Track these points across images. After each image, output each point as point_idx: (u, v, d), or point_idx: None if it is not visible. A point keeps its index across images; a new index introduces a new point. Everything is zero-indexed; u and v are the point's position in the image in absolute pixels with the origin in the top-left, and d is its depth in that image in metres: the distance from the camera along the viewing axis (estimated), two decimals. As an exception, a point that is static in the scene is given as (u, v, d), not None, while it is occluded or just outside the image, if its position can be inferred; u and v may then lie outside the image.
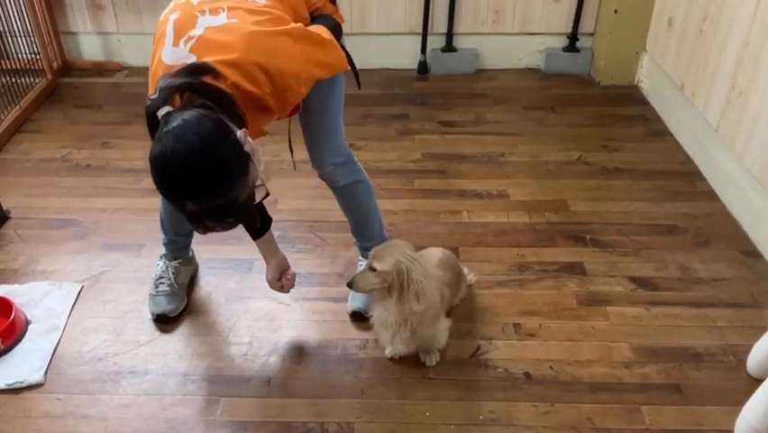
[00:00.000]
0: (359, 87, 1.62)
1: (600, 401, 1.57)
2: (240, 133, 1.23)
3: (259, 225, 1.64)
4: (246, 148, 1.24)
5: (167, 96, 1.21)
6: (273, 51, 1.30)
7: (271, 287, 1.74)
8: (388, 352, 1.68)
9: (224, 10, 1.33)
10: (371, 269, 1.50)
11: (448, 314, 1.71)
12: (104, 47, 3.15)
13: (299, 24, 1.39)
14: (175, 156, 1.16)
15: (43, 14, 2.94)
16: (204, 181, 1.19)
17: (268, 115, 1.40)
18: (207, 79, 1.25)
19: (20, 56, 2.87)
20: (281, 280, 1.73)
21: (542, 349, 1.70)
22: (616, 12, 2.82)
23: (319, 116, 1.61)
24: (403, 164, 2.46)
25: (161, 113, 1.20)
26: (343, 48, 1.53)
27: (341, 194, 1.77)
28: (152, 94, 1.23)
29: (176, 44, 1.31)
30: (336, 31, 1.53)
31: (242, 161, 1.24)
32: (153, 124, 1.22)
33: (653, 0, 2.77)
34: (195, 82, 1.24)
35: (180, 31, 1.32)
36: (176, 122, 1.18)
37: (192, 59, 1.29)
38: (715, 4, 2.28)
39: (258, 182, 1.31)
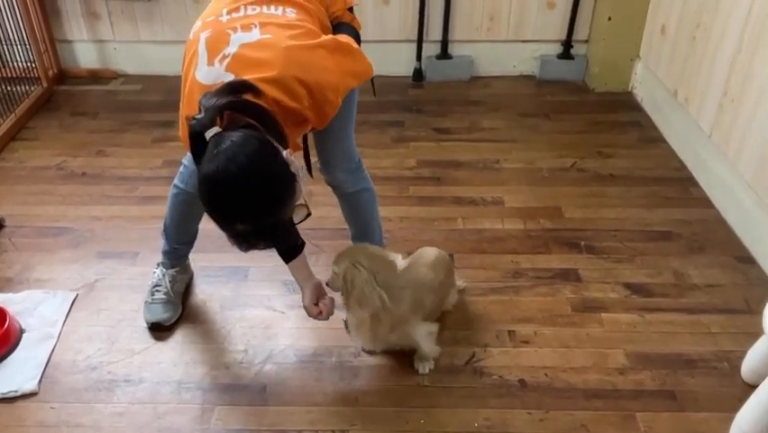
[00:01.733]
0: (374, 95, 1.66)
1: (595, 408, 1.57)
2: (285, 153, 1.25)
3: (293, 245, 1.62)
4: (292, 168, 1.25)
5: (212, 115, 1.21)
6: (310, 65, 1.31)
7: (309, 314, 1.65)
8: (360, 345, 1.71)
9: (256, 26, 1.32)
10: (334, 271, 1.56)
11: (440, 319, 1.71)
12: (99, 55, 3.16)
13: (330, 36, 1.40)
14: (227, 177, 1.17)
15: (39, 22, 2.94)
16: (255, 202, 1.21)
17: (305, 127, 1.40)
18: (249, 97, 1.24)
19: (15, 64, 2.87)
20: (318, 305, 1.64)
21: (536, 356, 1.71)
22: (610, 19, 2.83)
23: (333, 122, 1.61)
24: (398, 171, 2.46)
25: (210, 134, 1.20)
26: None
27: (347, 201, 1.78)
28: (197, 114, 1.22)
29: (210, 63, 1.30)
30: (357, 39, 1.55)
31: (290, 180, 1.25)
32: (198, 143, 1.22)
33: (646, 7, 2.78)
34: (237, 101, 1.23)
35: (214, 49, 1.31)
36: (226, 143, 1.18)
37: (229, 77, 1.28)
38: (707, 12, 2.30)
39: (300, 201, 1.31)
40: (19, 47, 2.87)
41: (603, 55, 2.93)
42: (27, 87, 2.91)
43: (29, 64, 2.94)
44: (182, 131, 1.36)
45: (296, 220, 1.33)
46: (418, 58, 3.10)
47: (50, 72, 3.05)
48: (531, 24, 3.03)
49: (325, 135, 1.62)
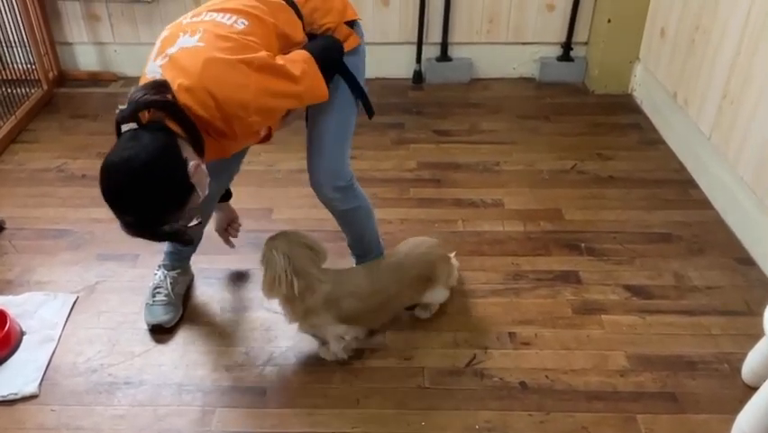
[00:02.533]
0: (369, 117, 1.64)
1: (596, 410, 1.57)
2: (192, 164, 1.31)
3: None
4: (193, 180, 1.32)
5: (134, 109, 1.28)
6: (224, 80, 1.31)
7: (221, 235, 1.91)
8: None
9: (199, 32, 1.37)
10: None
11: (440, 322, 1.70)
12: (99, 57, 3.16)
13: (263, 54, 1.35)
14: (122, 172, 1.27)
15: (39, 25, 2.94)
16: (140, 202, 1.30)
17: (231, 140, 1.41)
18: (170, 97, 1.31)
19: (16, 66, 2.88)
20: (228, 230, 1.88)
21: (537, 358, 1.71)
22: (609, 21, 2.84)
23: (321, 139, 1.61)
24: (398, 173, 2.46)
25: (125, 128, 1.29)
26: (349, 72, 1.53)
27: (339, 217, 1.78)
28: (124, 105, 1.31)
29: (155, 60, 1.38)
30: (328, 53, 1.49)
31: (183, 191, 1.33)
32: (119, 133, 1.31)
33: (645, 10, 2.79)
34: (161, 100, 1.29)
35: (162, 48, 1.38)
36: (134, 141, 1.27)
37: (159, 75, 1.35)
38: (707, 15, 2.30)
39: (195, 210, 1.38)
40: (19, 49, 2.88)
41: (603, 57, 2.93)
42: (27, 90, 2.91)
43: (29, 66, 2.94)
44: None
45: (187, 224, 1.39)
46: (418, 60, 3.10)
47: (51, 74, 3.05)
48: (530, 27, 3.04)
49: (314, 152, 1.63)
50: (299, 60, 1.42)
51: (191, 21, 1.42)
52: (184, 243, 1.46)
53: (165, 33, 1.42)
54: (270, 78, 1.36)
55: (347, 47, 1.58)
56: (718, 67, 2.23)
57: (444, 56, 3.09)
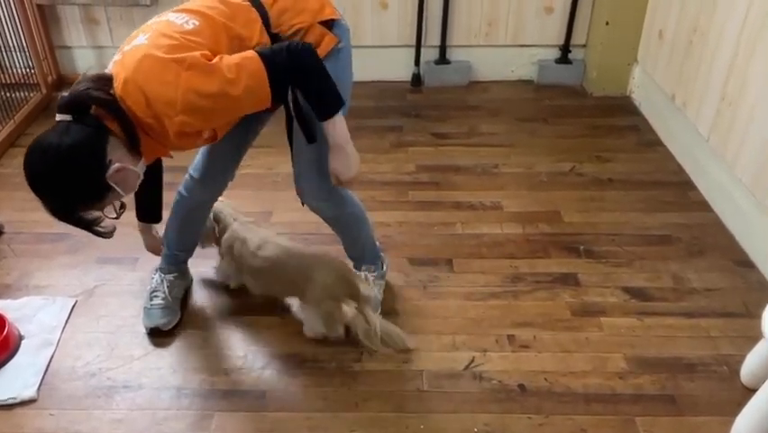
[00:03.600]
0: (307, 141, 1.51)
1: (595, 413, 1.57)
2: (115, 166, 1.34)
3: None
4: (111, 180, 1.34)
5: (73, 101, 1.32)
6: (153, 77, 1.31)
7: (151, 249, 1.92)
8: None
9: (150, 31, 1.38)
10: None
11: (439, 324, 1.69)
12: (98, 61, 3.16)
13: (196, 53, 1.31)
14: (34, 158, 1.33)
15: (38, 29, 2.95)
16: (48, 191, 1.34)
17: (166, 138, 1.38)
18: (112, 93, 1.33)
19: (15, 70, 2.88)
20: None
21: (536, 360, 1.70)
22: (607, 24, 2.84)
23: (300, 152, 1.60)
24: (397, 176, 2.46)
25: (59, 117, 1.33)
26: (310, 80, 1.39)
27: (329, 222, 1.79)
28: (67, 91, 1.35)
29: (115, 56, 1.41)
30: (280, 54, 1.36)
31: (95, 191, 1.35)
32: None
33: (643, 12, 2.79)
34: (104, 98, 1.32)
35: (123, 46, 1.40)
36: (59, 131, 1.31)
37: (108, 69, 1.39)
38: (704, 16, 2.31)
39: (109, 209, 1.42)
40: (18, 53, 2.88)
41: (601, 59, 2.94)
42: (26, 94, 2.91)
43: (28, 70, 2.94)
44: None
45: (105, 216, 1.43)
46: (417, 63, 3.11)
47: (50, 78, 3.05)
48: (529, 29, 3.04)
49: (296, 164, 1.63)
50: (240, 63, 1.33)
51: (153, 21, 1.43)
52: (101, 235, 1.45)
53: (131, 35, 1.43)
54: (200, 77, 1.30)
55: (322, 50, 1.48)
56: (716, 69, 2.23)
57: (443, 59, 3.10)
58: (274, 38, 1.46)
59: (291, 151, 1.63)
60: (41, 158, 1.32)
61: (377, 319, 1.71)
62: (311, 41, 1.48)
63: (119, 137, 1.35)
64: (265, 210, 2.27)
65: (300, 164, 1.63)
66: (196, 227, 1.84)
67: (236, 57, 1.36)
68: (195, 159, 1.74)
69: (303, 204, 1.69)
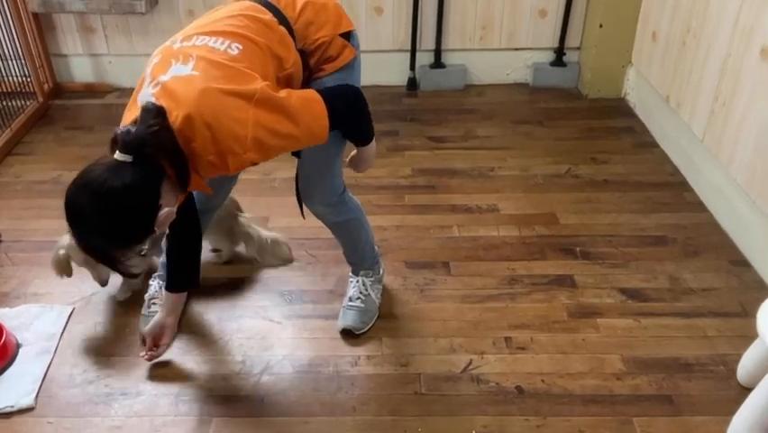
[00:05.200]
0: (303, 216, 1.61)
1: (592, 414, 1.57)
2: (164, 211, 1.29)
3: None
4: (157, 226, 1.30)
5: (138, 144, 1.24)
6: (221, 112, 1.25)
7: (143, 336, 1.74)
8: None
9: (192, 59, 1.30)
10: None
11: (437, 327, 1.70)
12: (94, 69, 3.17)
13: (261, 84, 1.28)
14: (78, 198, 1.26)
15: (34, 37, 2.96)
16: (89, 232, 1.28)
17: (217, 169, 1.34)
18: (167, 126, 1.26)
19: (11, 78, 2.88)
20: (155, 342, 1.71)
21: (533, 362, 1.71)
22: (601, 26, 2.86)
23: (317, 159, 1.58)
24: (393, 180, 2.47)
25: (120, 158, 1.25)
26: (356, 113, 1.44)
27: (331, 228, 1.79)
28: (126, 125, 1.28)
29: (147, 87, 1.32)
30: (342, 100, 1.40)
31: (140, 234, 1.30)
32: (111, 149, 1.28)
33: (637, 14, 2.81)
34: (167, 145, 1.26)
35: (154, 75, 1.32)
36: (112, 174, 1.24)
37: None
38: (697, 18, 2.32)
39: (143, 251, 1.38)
40: (14, 61, 2.89)
41: (595, 62, 2.95)
42: (22, 102, 2.92)
43: (24, 79, 2.95)
44: None
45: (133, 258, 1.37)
46: (412, 67, 3.11)
47: (46, 86, 3.06)
48: (523, 33, 3.06)
49: (307, 171, 1.61)
50: (306, 105, 1.34)
51: (182, 46, 1.35)
52: (130, 275, 1.43)
53: (155, 60, 1.35)
54: (270, 114, 1.28)
55: (341, 61, 1.51)
56: (709, 69, 2.24)
57: (438, 63, 3.11)
58: (300, 54, 1.46)
59: (298, 156, 1.61)
60: (94, 197, 1.24)
61: (265, 232, 2.03)
62: (332, 53, 1.50)
63: (171, 178, 1.31)
64: (262, 216, 2.27)
65: (308, 168, 1.61)
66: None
67: (301, 97, 1.35)
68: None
69: (303, 216, 1.67)
